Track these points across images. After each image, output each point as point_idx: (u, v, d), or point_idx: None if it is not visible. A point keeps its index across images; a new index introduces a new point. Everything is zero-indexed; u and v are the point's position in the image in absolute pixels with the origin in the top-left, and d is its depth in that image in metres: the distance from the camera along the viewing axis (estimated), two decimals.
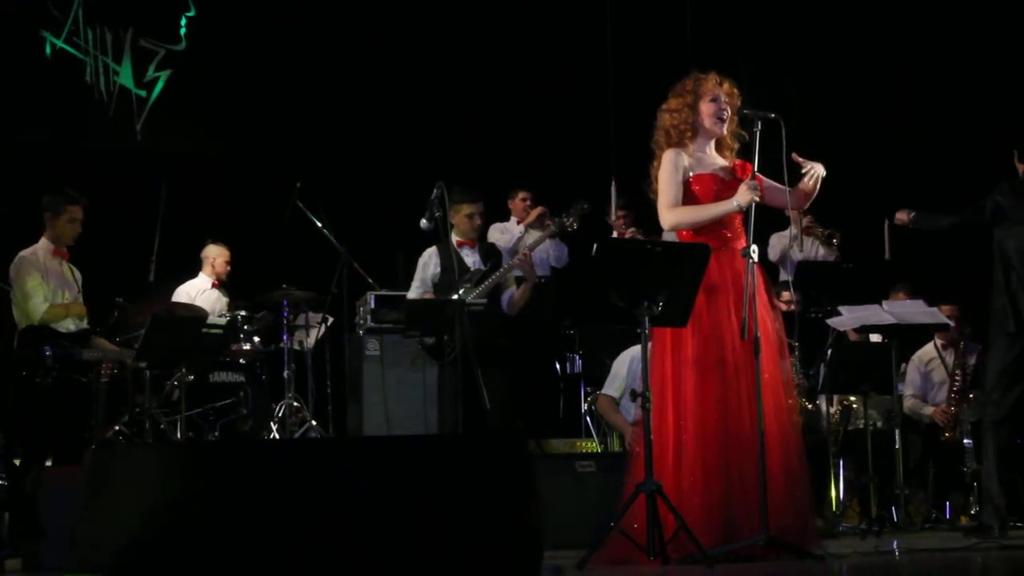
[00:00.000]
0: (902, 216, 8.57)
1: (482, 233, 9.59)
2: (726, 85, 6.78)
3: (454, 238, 9.23)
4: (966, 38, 12.68)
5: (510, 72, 13.15)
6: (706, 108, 6.74)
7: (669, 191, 6.66)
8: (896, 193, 11.74)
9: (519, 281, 9.36)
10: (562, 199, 10.18)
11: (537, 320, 10.22)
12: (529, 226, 11.09)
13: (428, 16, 13.14)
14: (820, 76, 13.48)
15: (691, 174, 6.69)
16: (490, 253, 9.38)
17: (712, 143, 6.81)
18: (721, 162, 6.79)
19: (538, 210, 11.10)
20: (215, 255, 11.30)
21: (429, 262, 9.34)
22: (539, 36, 13.20)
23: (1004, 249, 7.88)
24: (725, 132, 6.78)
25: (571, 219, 9.65)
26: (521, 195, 11.47)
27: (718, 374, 6.47)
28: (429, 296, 9.22)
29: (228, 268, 11.34)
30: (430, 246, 9.32)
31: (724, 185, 6.69)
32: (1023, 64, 12.37)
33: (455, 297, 8.83)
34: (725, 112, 6.74)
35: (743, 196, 6.50)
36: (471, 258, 9.28)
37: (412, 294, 9.38)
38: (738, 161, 6.81)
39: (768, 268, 11.05)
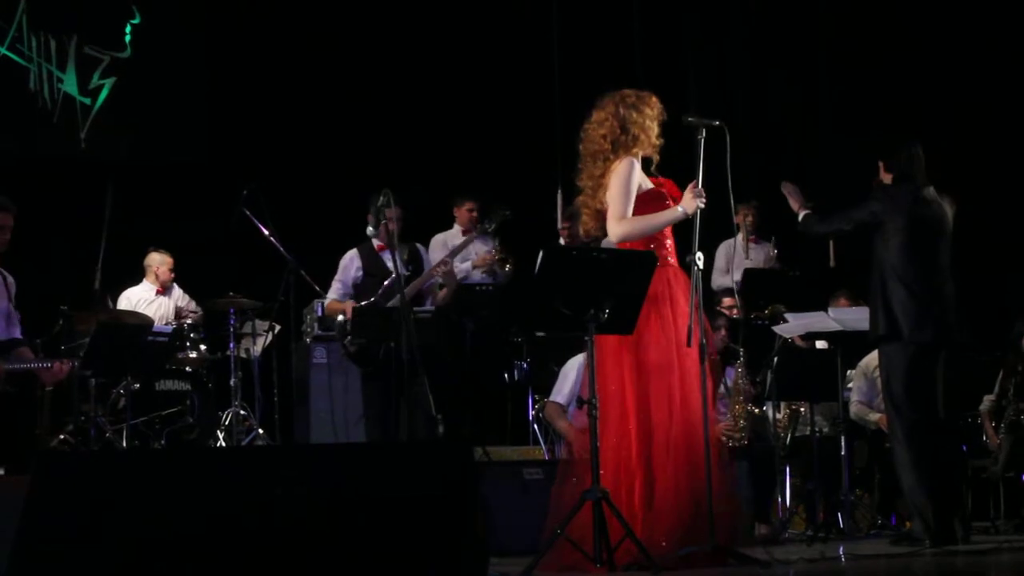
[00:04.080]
0: (794, 203, 8.43)
1: (403, 237, 9.58)
2: (652, 99, 6.83)
3: (375, 242, 9.26)
4: (908, 48, 12.82)
5: (458, 79, 13.15)
6: (652, 128, 6.78)
7: (622, 202, 6.65)
8: (841, 202, 11.84)
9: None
10: (509, 207, 10.19)
11: (484, 327, 10.25)
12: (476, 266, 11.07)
13: (374, 22, 13.12)
14: (766, 83, 13.56)
15: (645, 188, 6.72)
16: (412, 258, 9.39)
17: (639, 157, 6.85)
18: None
19: (491, 257, 11.00)
20: (158, 263, 11.25)
21: (350, 265, 9.37)
22: (487, 42, 13.20)
23: (882, 258, 7.85)
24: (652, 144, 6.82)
25: (492, 224, 9.73)
26: (468, 205, 11.47)
27: (663, 384, 6.49)
28: (348, 303, 9.22)
29: (172, 275, 11.30)
30: (350, 248, 9.36)
31: (662, 203, 6.73)
32: (953, 76, 12.57)
33: (394, 302, 8.83)
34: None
35: (689, 204, 6.53)
36: (392, 262, 9.27)
37: (332, 295, 9.41)
38: (662, 179, 6.84)
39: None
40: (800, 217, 8.29)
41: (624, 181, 6.67)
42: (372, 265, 9.30)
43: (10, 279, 9.14)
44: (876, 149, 8.23)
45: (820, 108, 13.33)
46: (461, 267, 10.81)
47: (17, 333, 9.08)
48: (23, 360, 8.98)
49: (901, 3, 12.96)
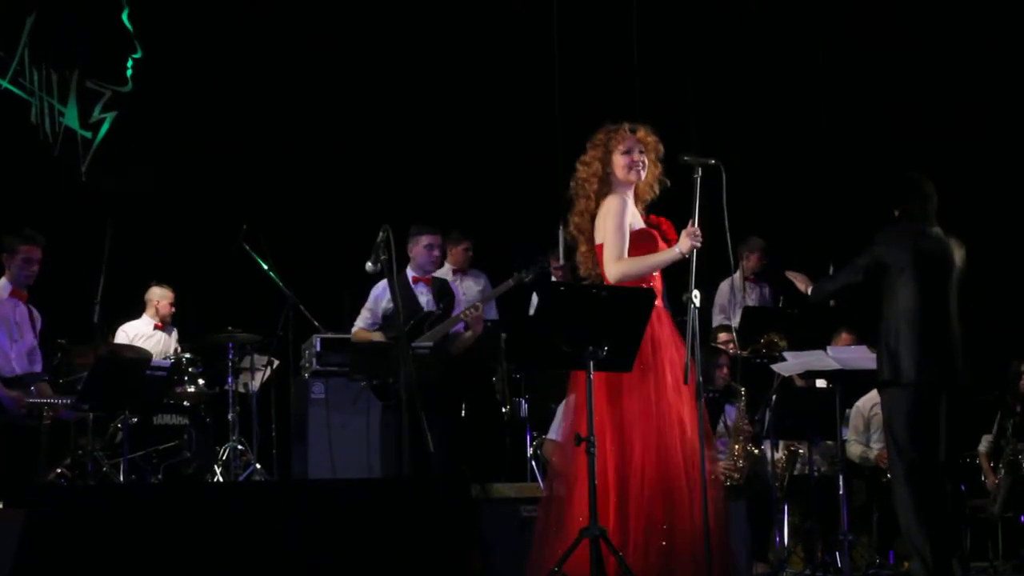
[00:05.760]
0: (801, 285, 8.40)
1: (433, 270, 9.60)
2: (640, 132, 6.81)
3: (410, 274, 9.26)
4: (908, 48, 12.87)
5: (457, 114, 13.17)
6: (618, 160, 6.76)
7: (617, 242, 6.64)
8: (843, 238, 11.83)
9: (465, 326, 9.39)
10: (510, 243, 10.18)
11: (482, 363, 10.25)
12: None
13: (373, 57, 13.16)
14: (767, 115, 13.59)
15: (636, 227, 6.71)
16: (443, 293, 9.39)
17: (632, 195, 6.83)
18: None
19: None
20: (158, 297, 11.26)
21: (382, 296, 9.33)
22: (487, 77, 13.23)
23: (888, 301, 7.82)
24: (641, 179, 6.80)
25: (529, 275, 9.67)
26: (464, 244, 11.46)
27: (653, 423, 6.49)
28: (376, 332, 9.22)
29: (172, 310, 11.31)
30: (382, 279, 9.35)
31: (656, 242, 6.73)
32: (964, 107, 12.59)
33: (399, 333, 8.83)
34: (639, 164, 6.76)
35: (684, 244, 6.51)
36: (424, 297, 9.29)
37: (360, 323, 9.39)
38: (657, 217, 6.83)
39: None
40: (809, 292, 8.24)
41: (616, 220, 6.66)
42: (404, 298, 9.27)
43: (36, 314, 9.20)
44: (887, 190, 8.18)
45: (820, 111, 13.34)
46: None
47: (38, 368, 9.11)
48: (43, 395, 9.03)
49: (901, 3, 13.00)
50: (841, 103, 13.25)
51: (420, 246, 9.27)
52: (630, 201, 6.75)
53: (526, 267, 9.70)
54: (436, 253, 9.39)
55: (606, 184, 6.79)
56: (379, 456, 9.37)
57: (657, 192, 6.85)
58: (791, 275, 8.40)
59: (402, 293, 9.18)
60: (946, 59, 12.75)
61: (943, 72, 12.74)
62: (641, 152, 6.77)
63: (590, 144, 6.86)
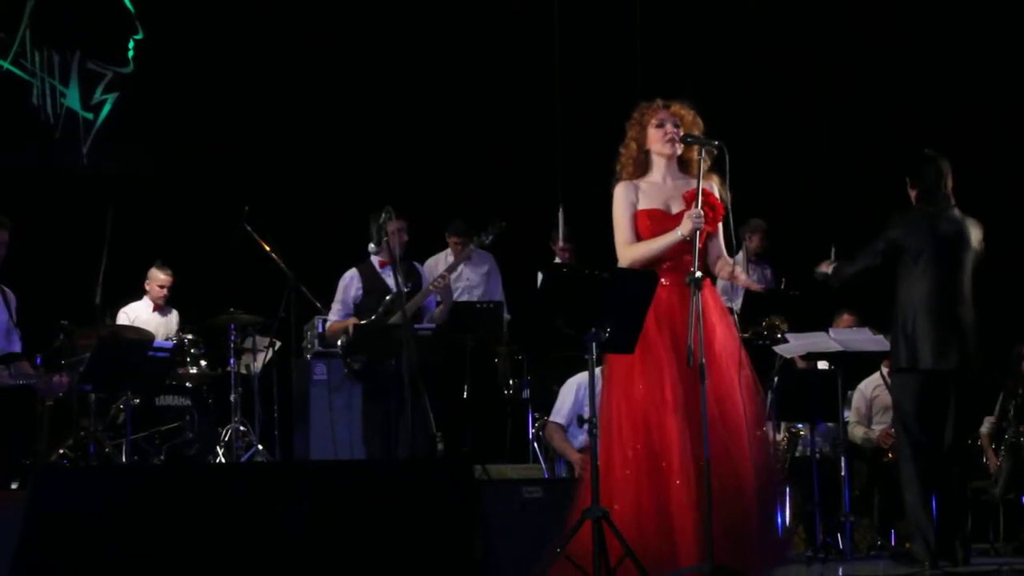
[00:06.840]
0: (824, 268, 8.35)
1: (404, 253, 9.61)
2: (674, 106, 6.80)
3: (375, 259, 9.28)
4: (906, 66, 12.83)
5: (458, 97, 13.16)
6: (653, 134, 6.77)
7: (624, 228, 6.70)
8: (844, 220, 11.82)
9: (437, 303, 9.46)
10: (510, 224, 10.19)
11: (484, 344, 10.27)
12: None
13: (373, 40, 13.14)
14: (767, 102, 13.57)
15: (636, 208, 6.72)
16: (410, 274, 9.41)
17: (675, 166, 6.81)
18: (688, 186, 6.78)
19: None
20: (153, 279, 11.25)
21: (350, 285, 9.42)
22: (487, 62, 13.22)
23: (903, 286, 7.82)
24: (678, 151, 6.78)
25: (489, 237, 9.75)
26: (453, 239, 11.45)
27: (639, 404, 6.48)
28: (352, 320, 9.26)
29: (165, 293, 11.27)
30: (350, 268, 9.39)
31: (669, 218, 6.69)
32: (957, 89, 12.57)
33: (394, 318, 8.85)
34: (674, 134, 6.75)
35: (685, 226, 6.51)
36: (391, 279, 9.30)
37: (333, 316, 9.46)
38: (693, 191, 6.81)
39: None
40: (830, 271, 8.19)
41: (618, 208, 6.73)
42: (372, 283, 9.34)
43: (10, 294, 9.09)
44: (903, 167, 8.15)
45: (820, 111, 13.33)
46: (437, 269, 10.93)
47: (16, 347, 9.03)
48: (19, 374, 8.95)
49: (901, 3, 12.99)
50: (841, 103, 13.23)
51: (389, 232, 9.27)
52: (630, 186, 6.74)
53: (485, 231, 9.79)
54: (405, 238, 9.40)
55: (642, 165, 6.79)
56: (361, 439, 9.43)
57: (708, 163, 6.77)
58: (821, 268, 8.35)
59: (371, 278, 9.25)
60: (946, 59, 12.72)
61: (943, 72, 12.71)
62: (676, 125, 6.76)
63: (628, 124, 6.87)
